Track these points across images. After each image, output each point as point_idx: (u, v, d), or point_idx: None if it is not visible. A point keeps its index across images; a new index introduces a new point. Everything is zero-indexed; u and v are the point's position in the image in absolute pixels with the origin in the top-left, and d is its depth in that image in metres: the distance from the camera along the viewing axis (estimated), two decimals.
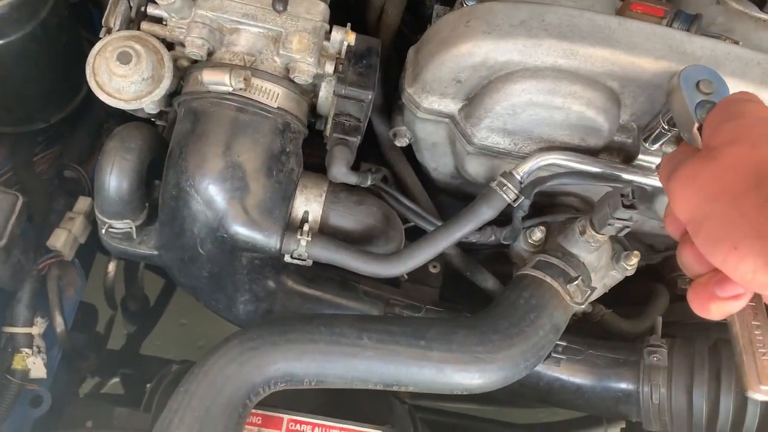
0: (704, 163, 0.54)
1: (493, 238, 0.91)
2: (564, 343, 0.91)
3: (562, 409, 1.10)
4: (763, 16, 0.83)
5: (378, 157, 0.99)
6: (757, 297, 0.59)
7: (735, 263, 0.50)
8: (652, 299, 1.07)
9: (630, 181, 0.81)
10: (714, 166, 0.53)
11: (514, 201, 0.79)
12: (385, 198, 0.90)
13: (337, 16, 0.85)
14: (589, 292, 0.84)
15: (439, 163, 0.93)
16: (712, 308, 0.56)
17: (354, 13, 0.95)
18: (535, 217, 0.91)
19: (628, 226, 0.79)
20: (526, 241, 0.89)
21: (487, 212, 0.79)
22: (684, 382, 0.88)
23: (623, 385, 0.91)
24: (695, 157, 0.56)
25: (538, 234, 0.88)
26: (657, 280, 1.13)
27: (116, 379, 1.33)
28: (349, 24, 0.82)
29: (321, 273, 0.90)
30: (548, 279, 0.82)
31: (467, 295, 1.00)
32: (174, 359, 1.15)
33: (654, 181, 0.81)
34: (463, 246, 0.93)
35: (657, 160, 0.80)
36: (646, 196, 0.91)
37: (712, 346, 0.90)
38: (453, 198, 1.03)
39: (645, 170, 0.81)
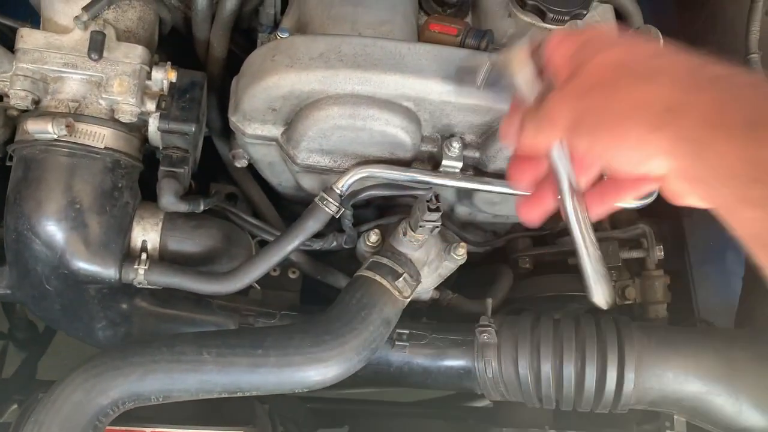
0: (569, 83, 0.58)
1: (335, 243, 1.00)
2: (407, 331, 1.01)
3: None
4: (547, 26, 0.93)
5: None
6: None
7: (625, 114, 0.53)
8: (497, 280, 1.18)
9: (437, 185, 0.90)
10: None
11: (336, 213, 0.88)
12: (230, 218, 0.97)
13: (173, 54, 0.92)
14: (416, 285, 0.94)
15: (281, 179, 1.01)
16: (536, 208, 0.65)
17: (188, 49, 1.01)
18: (375, 220, 1.01)
19: (437, 226, 0.89)
20: (365, 244, 0.98)
21: (313, 225, 0.88)
22: (511, 356, 0.99)
23: (462, 363, 1.01)
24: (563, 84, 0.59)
25: (373, 237, 0.97)
26: (503, 261, 1.25)
27: (15, 406, 1.37)
28: (169, 62, 0.88)
29: (176, 293, 0.96)
30: (378, 278, 0.91)
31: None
32: None
33: (458, 183, 0.90)
34: (316, 252, 1.02)
35: (458, 164, 0.89)
36: (466, 194, 1.01)
37: (534, 321, 1.01)
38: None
39: (450, 175, 0.90)
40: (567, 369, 0.96)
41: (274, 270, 1.08)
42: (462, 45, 0.90)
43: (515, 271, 1.21)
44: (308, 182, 0.95)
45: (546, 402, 1.00)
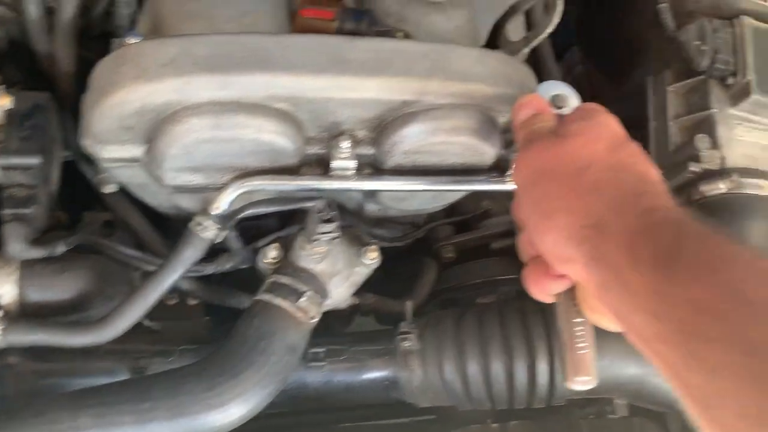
0: (552, 143, 0.62)
1: (229, 264, 0.90)
2: (323, 349, 0.92)
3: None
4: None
5: None
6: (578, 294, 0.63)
7: (542, 233, 0.58)
8: (420, 274, 1.10)
9: (331, 191, 0.81)
10: (558, 146, 0.61)
11: (216, 237, 0.78)
12: (105, 251, 0.86)
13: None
14: (323, 302, 0.85)
15: (158, 200, 0.90)
16: (538, 284, 0.63)
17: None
18: (274, 232, 0.91)
19: (335, 237, 0.80)
20: (264, 261, 0.89)
21: (192, 255, 0.78)
22: (435, 361, 0.91)
23: (386, 373, 0.93)
24: (550, 136, 0.64)
25: (272, 252, 0.88)
26: (427, 251, 1.17)
27: None
28: (3, 86, 0.75)
29: None
30: (277, 301, 0.82)
31: None
32: None
33: (353, 185, 0.81)
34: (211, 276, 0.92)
35: (351, 164, 0.80)
36: (369, 192, 0.92)
37: (457, 319, 0.94)
38: None
39: (344, 177, 0.80)
40: (495, 368, 0.90)
41: (172, 298, 0.97)
42: (340, 30, 0.81)
43: (440, 261, 1.14)
44: (187, 202, 0.85)
45: (478, 404, 0.94)
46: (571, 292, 0.64)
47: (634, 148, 0.62)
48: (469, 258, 1.14)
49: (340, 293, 0.90)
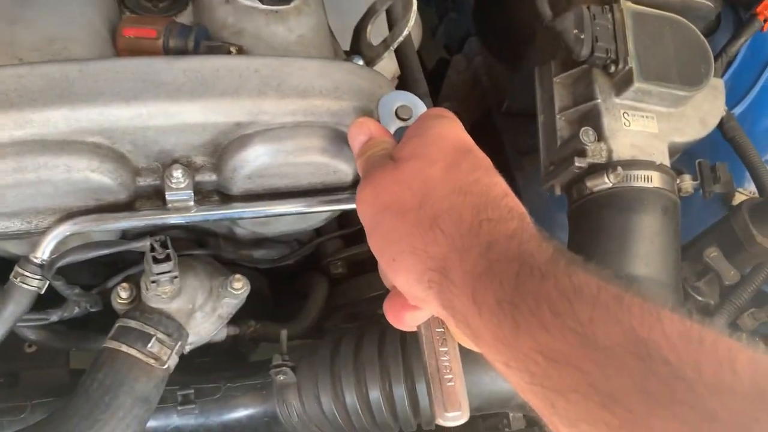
0: (387, 173, 0.56)
1: (77, 310, 0.83)
2: (192, 390, 0.86)
3: None
4: (268, 7, 0.77)
5: None
6: (443, 322, 0.58)
7: (393, 274, 0.53)
8: (310, 293, 1.05)
9: (170, 225, 0.74)
10: (393, 177, 0.55)
11: (41, 288, 0.70)
12: None
13: None
14: (177, 344, 0.78)
15: None
16: (398, 317, 0.57)
17: None
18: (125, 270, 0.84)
19: (175, 276, 0.73)
20: (117, 302, 0.82)
21: (15, 310, 0.70)
22: (312, 393, 0.86)
23: (265, 409, 0.88)
24: (385, 165, 0.57)
25: (123, 293, 0.81)
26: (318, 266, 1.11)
27: None
28: None
29: None
30: (124, 348, 0.75)
31: None
32: None
33: (194, 217, 0.74)
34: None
35: (188, 194, 0.73)
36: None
37: (334, 348, 0.89)
38: None
39: (183, 209, 0.74)
40: (374, 394, 0.85)
41: (29, 346, 0.90)
42: (166, 48, 0.74)
43: (330, 278, 1.08)
44: (15, 248, 0.77)
45: None
46: (435, 319, 0.59)
47: (475, 160, 0.56)
48: (360, 271, 1.09)
49: (206, 329, 0.84)
